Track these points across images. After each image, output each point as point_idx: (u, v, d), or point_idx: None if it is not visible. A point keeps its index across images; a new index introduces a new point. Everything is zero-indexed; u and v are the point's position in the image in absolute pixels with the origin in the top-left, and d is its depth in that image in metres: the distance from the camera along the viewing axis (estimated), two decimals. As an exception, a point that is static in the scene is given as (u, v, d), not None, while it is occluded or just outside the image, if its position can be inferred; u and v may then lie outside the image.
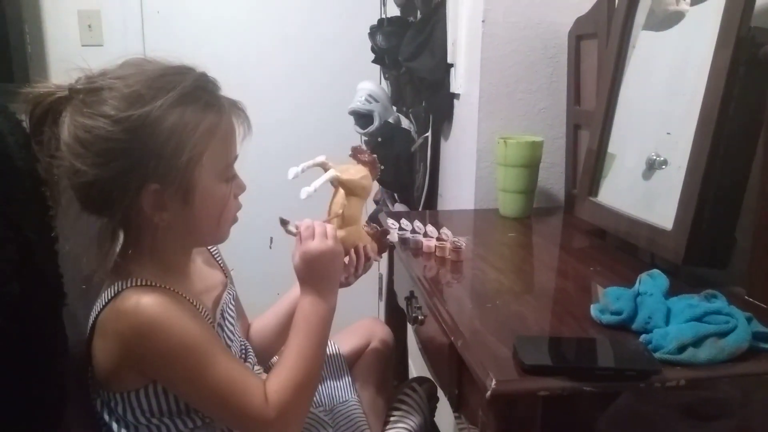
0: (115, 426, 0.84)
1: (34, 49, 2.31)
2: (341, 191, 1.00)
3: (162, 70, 0.81)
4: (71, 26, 2.35)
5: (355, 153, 1.06)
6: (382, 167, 1.06)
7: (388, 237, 1.08)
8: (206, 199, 0.83)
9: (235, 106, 0.86)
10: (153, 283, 0.80)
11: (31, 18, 2.31)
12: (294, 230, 0.93)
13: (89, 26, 2.36)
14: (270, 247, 2.43)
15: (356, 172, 1.02)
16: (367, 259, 1.04)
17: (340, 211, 0.98)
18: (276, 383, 0.84)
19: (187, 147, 0.78)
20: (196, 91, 0.80)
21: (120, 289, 0.79)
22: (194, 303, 0.85)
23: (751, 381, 0.71)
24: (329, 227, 0.92)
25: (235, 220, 0.91)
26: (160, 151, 0.77)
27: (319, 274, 0.91)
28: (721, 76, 0.89)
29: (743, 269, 0.89)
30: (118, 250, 0.84)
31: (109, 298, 0.79)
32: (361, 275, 1.05)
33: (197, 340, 0.79)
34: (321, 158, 1.01)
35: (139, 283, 0.80)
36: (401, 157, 1.92)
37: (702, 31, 0.96)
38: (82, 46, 2.36)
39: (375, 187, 1.05)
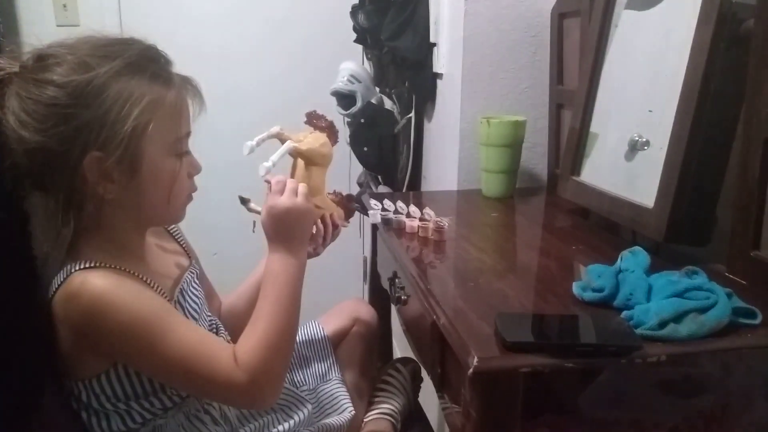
0: (84, 415, 0.83)
1: (7, 30, 2.24)
2: (301, 162, 0.97)
3: (109, 40, 0.81)
4: (46, 6, 2.29)
5: (311, 119, 1.02)
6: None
7: (354, 202, 1.07)
8: (154, 172, 0.81)
9: (187, 82, 0.85)
10: (101, 264, 0.79)
11: (4, -3, 2.25)
12: (256, 207, 0.91)
13: (64, 6, 2.30)
14: (253, 231, 2.41)
15: (314, 140, 0.98)
16: (335, 227, 1.04)
17: (305, 183, 0.95)
18: (247, 345, 0.81)
19: (131, 116, 0.77)
20: (142, 61, 0.80)
21: (68, 273, 0.78)
22: (147, 280, 0.83)
23: (731, 355, 0.71)
24: (301, 186, 0.90)
25: (189, 199, 0.89)
26: (103, 118, 0.76)
27: (287, 231, 0.89)
28: (703, 53, 0.89)
29: (724, 247, 0.89)
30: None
31: (59, 282, 0.78)
32: (330, 244, 1.05)
33: (150, 310, 0.78)
34: (276, 129, 0.97)
35: (86, 265, 0.78)
36: (384, 139, 1.91)
37: (684, 8, 0.95)
38: (58, 26, 2.30)
39: (336, 151, 1.03)
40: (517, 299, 0.83)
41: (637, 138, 1.02)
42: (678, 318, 0.70)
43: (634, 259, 0.83)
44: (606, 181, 1.10)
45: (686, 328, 0.69)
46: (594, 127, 1.18)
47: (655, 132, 0.99)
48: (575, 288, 0.81)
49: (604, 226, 1.11)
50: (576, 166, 1.20)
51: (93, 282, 0.76)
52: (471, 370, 0.65)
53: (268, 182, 0.90)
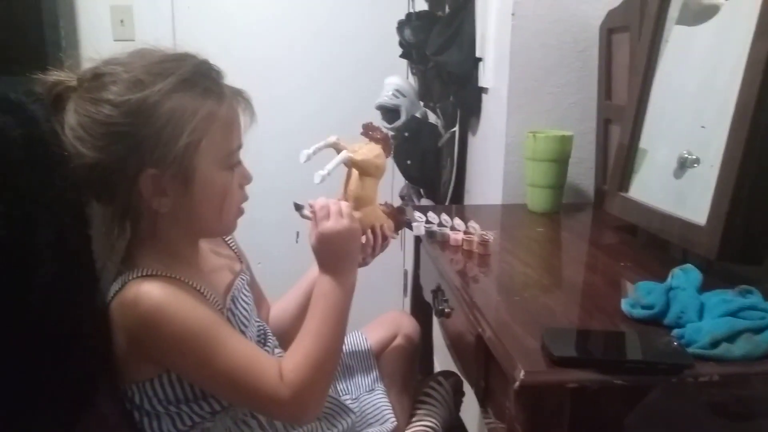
0: (136, 415, 0.85)
1: (69, 44, 2.35)
2: (355, 172, 0.98)
3: (162, 56, 0.82)
4: (104, 21, 2.40)
5: (367, 130, 1.03)
6: (397, 149, 1.04)
7: (405, 215, 1.07)
8: (207, 185, 0.83)
9: (238, 95, 0.87)
10: (157, 273, 0.81)
11: (66, 13, 2.36)
12: (309, 214, 0.92)
13: (121, 21, 2.40)
14: (296, 242, 2.46)
15: (369, 151, 0.99)
16: (384, 238, 1.04)
17: (358, 192, 0.96)
18: (292, 362, 0.83)
19: (185, 132, 0.78)
20: (195, 77, 0.81)
21: (125, 281, 0.80)
22: (200, 289, 0.85)
23: (787, 378, 0.69)
24: (344, 205, 0.91)
25: (241, 211, 0.91)
26: (158, 136, 0.78)
27: (337, 254, 0.90)
28: (758, 68, 0.87)
29: (779, 266, 0.87)
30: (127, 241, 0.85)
31: (116, 290, 0.80)
32: (379, 254, 1.05)
33: (203, 323, 0.80)
34: (332, 138, 0.99)
35: (142, 274, 0.80)
36: (428, 153, 1.92)
37: (738, 23, 0.94)
38: (115, 40, 2.40)
39: (389, 165, 1.03)
40: (563, 314, 0.82)
41: (686, 155, 1.00)
42: (731, 338, 0.68)
43: (685, 276, 0.81)
44: (655, 198, 1.08)
45: (740, 348, 0.68)
46: (643, 142, 1.16)
47: (706, 149, 0.97)
48: (624, 305, 0.80)
49: (653, 243, 1.09)
50: (624, 182, 1.18)
51: (149, 291, 0.79)
52: (517, 384, 0.65)
53: (312, 212, 0.90)
